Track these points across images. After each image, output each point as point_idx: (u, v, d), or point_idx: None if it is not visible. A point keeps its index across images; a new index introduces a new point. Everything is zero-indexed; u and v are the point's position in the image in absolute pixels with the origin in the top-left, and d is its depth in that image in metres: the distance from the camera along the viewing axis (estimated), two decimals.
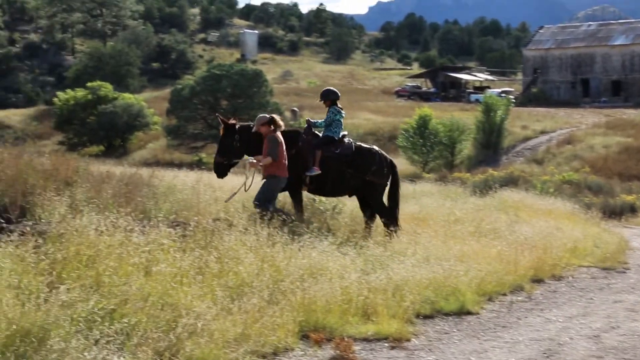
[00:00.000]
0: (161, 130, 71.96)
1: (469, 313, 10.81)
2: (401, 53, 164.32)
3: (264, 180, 13.57)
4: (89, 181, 14.32)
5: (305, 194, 14.67)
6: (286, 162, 13.64)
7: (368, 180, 14.71)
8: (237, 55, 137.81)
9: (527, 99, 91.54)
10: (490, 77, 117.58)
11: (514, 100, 70.26)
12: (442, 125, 56.33)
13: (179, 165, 42.83)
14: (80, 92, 75.58)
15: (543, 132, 64.10)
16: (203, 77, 69.25)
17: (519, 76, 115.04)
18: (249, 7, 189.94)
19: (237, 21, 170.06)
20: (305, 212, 14.18)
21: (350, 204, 15.65)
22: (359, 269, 10.81)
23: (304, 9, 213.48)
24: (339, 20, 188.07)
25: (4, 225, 11.31)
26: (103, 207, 11.92)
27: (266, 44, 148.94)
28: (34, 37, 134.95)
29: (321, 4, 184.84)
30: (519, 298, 12.22)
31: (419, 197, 21.82)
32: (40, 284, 8.08)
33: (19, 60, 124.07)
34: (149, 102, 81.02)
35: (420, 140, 55.10)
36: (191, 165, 41.83)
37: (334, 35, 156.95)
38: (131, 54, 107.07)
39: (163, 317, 8.08)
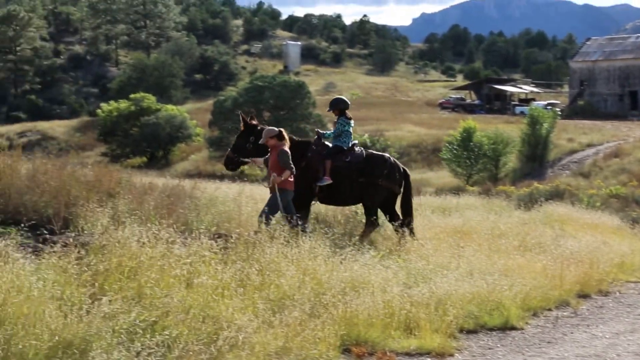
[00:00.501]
0: (203, 141, 72.36)
1: (513, 328, 10.73)
2: (445, 65, 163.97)
3: (273, 193, 13.51)
4: (132, 193, 14.42)
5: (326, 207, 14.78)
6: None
7: (380, 187, 14.64)
8: (280, 66, 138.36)
9: (573, 112, 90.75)
10: (535, 90, 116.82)
11: (560, 113, 69.71)
12: (486, 138, 56.05)
13: (221, 177, 42.97)
14: (123, 104, 76.33)
15: (590, 145, 63.50)
16: (246, 89, 69.64)
17: (565, 88, 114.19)
18: (292, 19, 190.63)
19: (280, 32, 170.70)
20: (348, 225, 14.17)
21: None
22: (401, 283, 10.77)
23: (348, 20, 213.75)
24: (382, 31, 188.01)
25: (48, 236, 11.43)
26: (145, 219, 12.00)
27: (309, 55, 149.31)
28: (78, 48, 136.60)
29: (365, 16, 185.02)
30: (565, 313, 12.10)
31: (462, 210, 21.68)
32: (83, 295, 8.15)
33: (63, 71, 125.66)
34: (192, 114, 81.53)
35: (464, 153, 54.88)
36: (233, 177, 41.96)
37: (378, 47, 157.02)
38: (174, 66, 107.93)
39: (204, 330, 8.11)
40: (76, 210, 13.40)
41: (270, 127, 14.16)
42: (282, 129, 14.03)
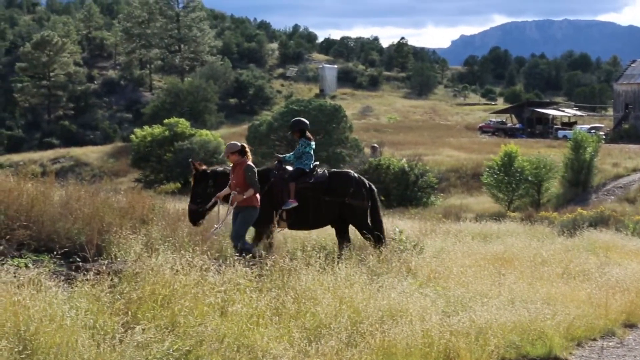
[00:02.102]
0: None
1: (556, 359, 10.63)
2: (485, 88, 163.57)
3: (239, 212, 13.42)
4: (165, 219, 14.53)
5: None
6: None
7: (347, 205, 14.65)
8: (316, 90, 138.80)
9: (618, 136, 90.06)
10: (578, 113, 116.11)
11: (604, 137, 69.18)
12: (528, 163, 55.69)
13: None
14: (157, 129, 76.82)
15: (635, 170, 62.89)
16: (281, 113, 69.82)
17: (610, 112, 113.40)
18: (328, 42, 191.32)
19: (316, 56, 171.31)
20: (384, 251, 14.14)
21: (430, 244, 15.52)
22: (440, 311, 10.72)
23: (385, 42, 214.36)
24: (420, 54, 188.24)
25: (80, 264, 11.52)
26: (179, 246, 12.07)
27: (346, 78, 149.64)
28: (112, 73, 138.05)
29: (403, 38, 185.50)
30: (610, 343, 11.97)
31: (503, 237, 21.57)
32: (116, 324, 8.20)
33: (97, 97, 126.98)
34: (226, 139, 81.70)
35: (506, 178, 54.55)
36: None
37: (416, 70, 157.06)
38: (209, 90, 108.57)
39: (239, 359, 8.12)
40: (109, 237, 13.51)
41: (233, 142, 14.15)
42: (244, 144, 13.97)
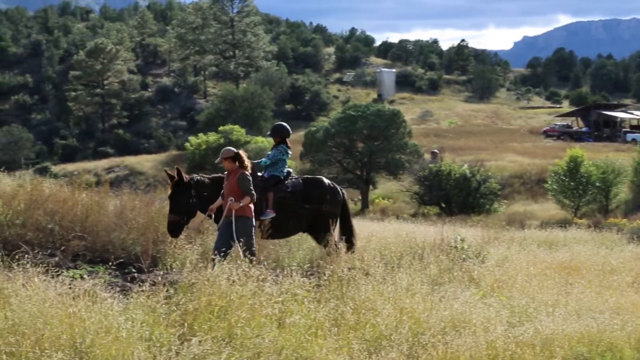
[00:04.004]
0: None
1: None
2: (549, 90, 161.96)
3: (231, 223, 12.92)
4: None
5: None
6: None
7: (324, 212, 14.60)
8: (374, 95, 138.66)
9: None
10: None
11: None
12: (595, 167, 55.06)
13: None
14: (212, 136, 77.35)
15: None
16: (338, 119, 69.82)
17: None
18: (386, 45, 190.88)
19: (374, 60, 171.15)
20: (446, 260, 14.06)
21: (494, 252, 15.41)
22: (504, 321, 10.64)
23: (445, 45, 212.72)
24: (482, 56, 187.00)
25: (136, 274, 11.64)
26: (235, 256, 12.13)
27: (404, 82, 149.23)
28: (166, 80, 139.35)
29: (463, 40, 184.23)
30: None
31: (570, 245, 21.35)
32: (172, 336, 8.28)
33: (151, 104, 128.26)
34: None
35: (572, 184, 54.00)
36: None
37: (477, 73, 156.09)
38: (264, 96, 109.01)
39: None
40: (164, 248, 13.65)
41: (228, 147, 13.69)
42: (240, 151, 13.53)
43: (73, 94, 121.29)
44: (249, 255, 11.83)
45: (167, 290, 9.31)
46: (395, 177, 65.61)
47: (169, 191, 13.62)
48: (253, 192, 13.08)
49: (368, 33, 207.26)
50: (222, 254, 11.83)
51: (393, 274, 11.42)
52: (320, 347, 8.64)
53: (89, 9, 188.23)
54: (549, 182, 55.72)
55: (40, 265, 9.36)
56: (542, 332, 10.32)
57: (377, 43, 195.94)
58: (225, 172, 13.47)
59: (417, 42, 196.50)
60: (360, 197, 65.92)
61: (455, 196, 53.62)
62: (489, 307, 11.01)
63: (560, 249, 19.69)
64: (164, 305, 8.86)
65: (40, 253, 11.43)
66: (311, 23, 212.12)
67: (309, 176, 15.37)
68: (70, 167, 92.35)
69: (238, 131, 77.82)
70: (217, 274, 9.78)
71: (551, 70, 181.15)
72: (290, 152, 15.01)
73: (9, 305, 8.31)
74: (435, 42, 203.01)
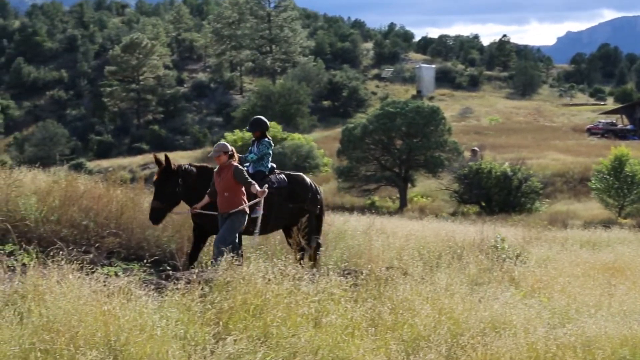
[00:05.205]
0: (331, 172, 72.83)
1: None
2: (594, 87, 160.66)
3: (228, 217, 12.88)
4: None
5: None
6: None
7: (305, 211, 14.44)
8: (413, 91, 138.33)
9: None
10: None
11: None
12: None
13: (350, 209, 43.18)
14: (248, 133, 77.40)
15: None
16: (376, 116, 69.69)
17: None
18: (426, 40, 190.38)
19: (413, 55, 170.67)
20: (485, 260, 14.01)
21: (535, 252, 15.34)
22: (545, 323, 10.58)
23: (486, 40, 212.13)
24: (524, 52, 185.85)
25: (170, 272, 11.71)
26: (271, 254, 12.16)
27: (444, 79, 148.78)
28: (202, 76, 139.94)
29: (504, 35, 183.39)
30: None
31: (614, 245, 21.20)
32: (207, 334, 8.32)
33: (186, 100, 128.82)
34: (319, 143, 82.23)
35: (616, 183, 53.55)
36: (363, 209, 42.09)
37: (519, 69, 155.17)
38: (301, 92, 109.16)
39: None
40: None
41: (224, 143, 13.60)
42: (233, 149, 13.45)
43: (108, 89, 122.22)
44: (220, 251, 11.82)
45: (202, 289, 9.35)
46: (434, 175, 65.39)
47: (155, 177, 13.52)
48: (252, 181, 13.02)
49: (407, 28, 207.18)
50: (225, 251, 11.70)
51: (432, 273, 11.40)
52: (357, 348, 8.64)
53: (124, 3, 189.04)
54: (593, 181, 55.30)
55: (75, 262, 9.43)
56: (584, 334, 10.25)
57: (417, 38, 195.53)
58: (217, 168, 13.30)
59: (457, 37, 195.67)
60: (398, 196, 65.82)
61: (496, 195, 53.37)
62: (529, 308, 10.96)
63: (604, 250, 19.56)
64: (198, 304, 8.90)
65: (74, 250, 11.53)
66: (349, 18, 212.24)
67: (291, 173, 15.06)
68: (105, 163, 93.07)
69: (274, 127, 77.86)
70: (253, 272, 9.80)
71: (595, 66, 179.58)
72: (272, 145, 14.81)
73: (43, 303, 8.39)
74: (476, 37, 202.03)
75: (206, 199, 13.20)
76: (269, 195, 13.64)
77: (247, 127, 15.10)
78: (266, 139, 14.67)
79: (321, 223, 15.09)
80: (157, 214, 13.33)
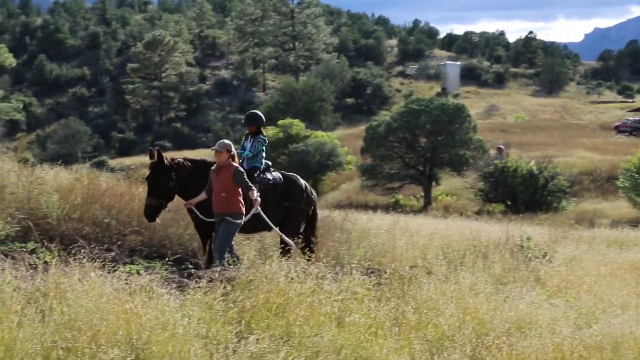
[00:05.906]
0: (355, 170, 72.81)
1: None
2: (622, 84, 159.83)
3: (225, 220, 12.72)
4: None
5: None
6: None
7: (299, 211, 14.35)
8: (438, 88, 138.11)
9: None
10: None
11: None
12: None
13: (374, 208, 43.20)
14: (271, 131, 77.54)
15: None
16: (400, 113, 69.63)
17: None
18: (450, 37, 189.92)
19: (438, 52, 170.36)
20: (511, 259, 13.97)
21: (561, 252, 15.27)
22: (571, 323, 10.54)
23: (512, 37, 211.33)
24: (550, 49, 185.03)
25: (193, 271, 11.74)
26: (293, 252, 12.18)
27: (469, 76, 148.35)
28: (224, 73, 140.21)
29: (531, 32, 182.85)
30: None
31: None
32: (229, 333, 8.34)
33: (209, 97, 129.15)
34: (343, 140, 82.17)
35: None
36: (387, 208, 42.07)
37: (545, 66, 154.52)
38: (324, 89, 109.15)
39: None
40: None
41: (226, 140, 13.37)
42: (235, 151, 13.25)
43: (130, 86, 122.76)
44: (220, 257, 11.88)
45: (224, 287, 9.37)
46: (459, 173, 65.27)
47: (148, 172, 13.32)
48: (252, 185, 12.90)
49: (432, 25, 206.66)
50: (225, 255, 11.95)
51: (456, 272, 11.37)
52: (380, 347, 8.64)
53: (146, 0, 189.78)
54: (621, 180, 54.99)
55: (97, 260, 9.48)
56: (611, 334, 10.20)
57: (441, 35, 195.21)
58: (215, 166, 13.12)
59: (482, 34, 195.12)
60: (422, 194, 65.75)
61: (522, 193, 53.24)
62: (555, 308, 10.92)
63: (631, 249, 19.47)
64: (221, 302, 8.92)
65: (96, 248, 11.57)
66: (373, 14, 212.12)
67: (285, 172, 14.82)
68: (127, 160, 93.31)
69: (297, 125, 77.92)
70: (275, 270, 9.82)
71: (623, 63, 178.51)
72: (267, 141, 14.55)
73: (65, 300, 8.43)
74: (502, 34, 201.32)
75: (202, 195, 13.04)
76: (265, 192, 13.58)
77: (242, 121, 14.86)
78: (261, 136, 14.35)
79: (315, 222, 14.96)
80: (152, 211, 13.13)
